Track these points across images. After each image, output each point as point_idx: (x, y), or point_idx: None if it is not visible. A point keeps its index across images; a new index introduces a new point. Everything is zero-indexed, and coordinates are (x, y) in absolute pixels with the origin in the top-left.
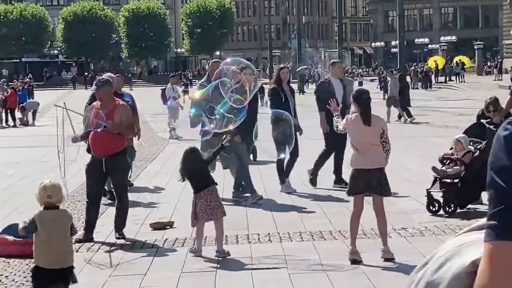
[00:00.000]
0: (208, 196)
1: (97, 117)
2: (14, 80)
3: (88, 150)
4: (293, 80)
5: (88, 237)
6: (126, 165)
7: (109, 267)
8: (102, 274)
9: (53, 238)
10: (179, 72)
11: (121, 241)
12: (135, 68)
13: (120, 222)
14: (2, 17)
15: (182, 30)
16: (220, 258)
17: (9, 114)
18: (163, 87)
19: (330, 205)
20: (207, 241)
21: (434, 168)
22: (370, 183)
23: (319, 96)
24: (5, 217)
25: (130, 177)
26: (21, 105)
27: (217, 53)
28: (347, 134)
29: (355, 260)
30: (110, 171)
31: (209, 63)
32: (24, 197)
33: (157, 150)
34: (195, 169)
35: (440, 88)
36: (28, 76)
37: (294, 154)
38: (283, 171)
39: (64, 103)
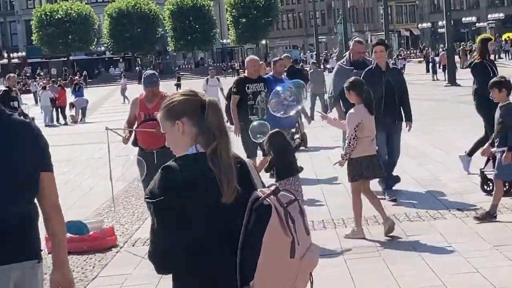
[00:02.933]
0: (291, 186)
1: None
2: (59, 78)
3: (134, 144)
4: None
5: None
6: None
7: None
8: None
9: None
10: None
11: None
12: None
13: None
14: (48, 16)
15: (227, 20)
16: None
17: (59, 112)
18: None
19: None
20: None
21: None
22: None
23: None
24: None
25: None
26: (70, 102)
27: (263, 42)
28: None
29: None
30: (162, 163)
31: (351, 44)
32: (80, 194)
33: None
34: (283, 149)
35: None
36: (83, 74)
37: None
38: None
39: (106, 127)
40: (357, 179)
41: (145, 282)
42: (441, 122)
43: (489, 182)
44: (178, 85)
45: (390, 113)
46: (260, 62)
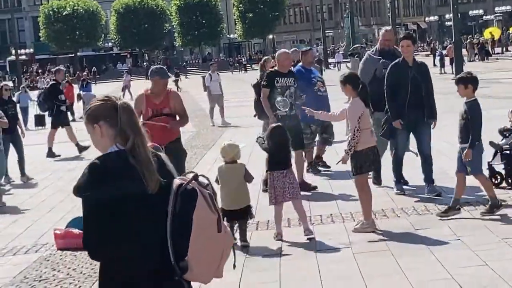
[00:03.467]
0: (286, 178)
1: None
2: (66, 74)
3: None
4: (347, 60)
5: None
6: (183, 149)
7: None
8: None
9: (228, 185)
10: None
11: None
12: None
13: None
14: (55, 13)
15: (234, 15)
16: (308, 238)
17: (67, 109)
18: (203, 75)
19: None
20: (270, 224)
21: (491, 143)
22: (376, 159)
23: None
24: (70, 210)
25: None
26: (78, 93)
27: (270, 36)
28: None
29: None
30: (170, 157)
31: (380, 32)
32: None
33: (215, 137)
34: (282, 144)
35: (497, 59)
36: (93, 70)
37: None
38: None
39: None
40: (363, 171)
41: None
42: (449, 116)
43: (497, 175)
44: (176, 81)
45: (415, 110)
46: (266, 57)
